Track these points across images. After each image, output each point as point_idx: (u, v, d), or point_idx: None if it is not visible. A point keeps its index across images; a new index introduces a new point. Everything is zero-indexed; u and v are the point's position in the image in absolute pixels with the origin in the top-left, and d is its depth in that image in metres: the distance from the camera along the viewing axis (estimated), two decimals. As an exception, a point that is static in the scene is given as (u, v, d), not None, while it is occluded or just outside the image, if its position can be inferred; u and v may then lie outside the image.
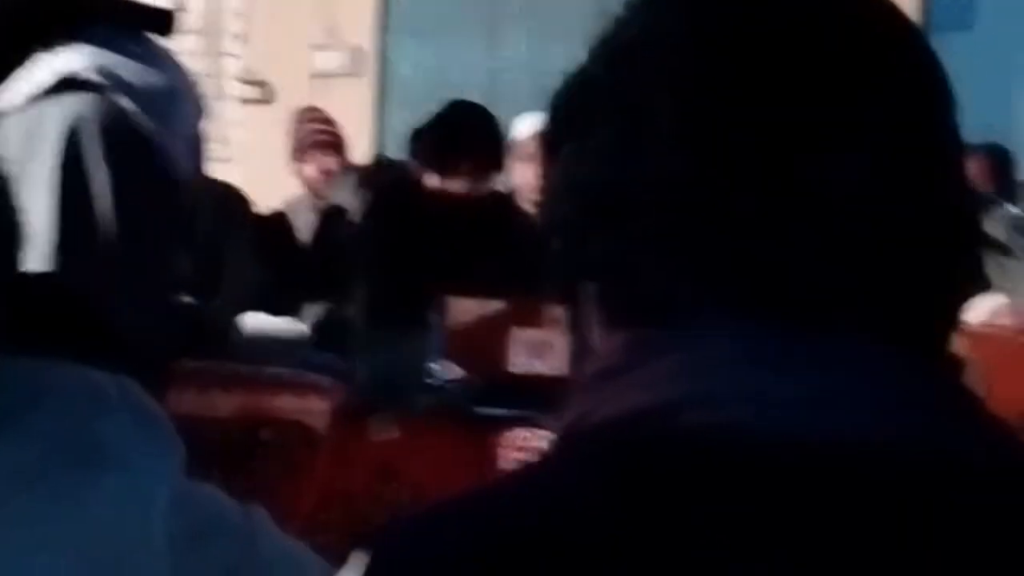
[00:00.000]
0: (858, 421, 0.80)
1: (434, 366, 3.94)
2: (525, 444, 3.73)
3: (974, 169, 5.28)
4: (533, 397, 3.89)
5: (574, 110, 0.90)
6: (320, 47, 8.24)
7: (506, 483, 0.87)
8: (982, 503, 0.80)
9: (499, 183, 5.01)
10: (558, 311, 3.64)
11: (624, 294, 0.86)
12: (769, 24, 0.84)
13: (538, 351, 3.96)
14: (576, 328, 0.90)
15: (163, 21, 1.79)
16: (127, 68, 1.69)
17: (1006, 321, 5.03)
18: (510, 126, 5.90)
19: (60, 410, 0.89)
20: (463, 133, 4.69)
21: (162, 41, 1.81)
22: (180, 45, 1.89)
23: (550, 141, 0.92)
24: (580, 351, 0.89)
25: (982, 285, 0.91)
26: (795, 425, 0.79)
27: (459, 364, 3.93)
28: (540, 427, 3.77)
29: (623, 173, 0.86)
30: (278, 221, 5.34)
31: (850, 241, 0.82)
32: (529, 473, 0.86)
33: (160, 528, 0.88)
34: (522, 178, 5.28)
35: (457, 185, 4.65)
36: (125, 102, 1.67)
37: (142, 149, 1.66)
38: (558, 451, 0.86)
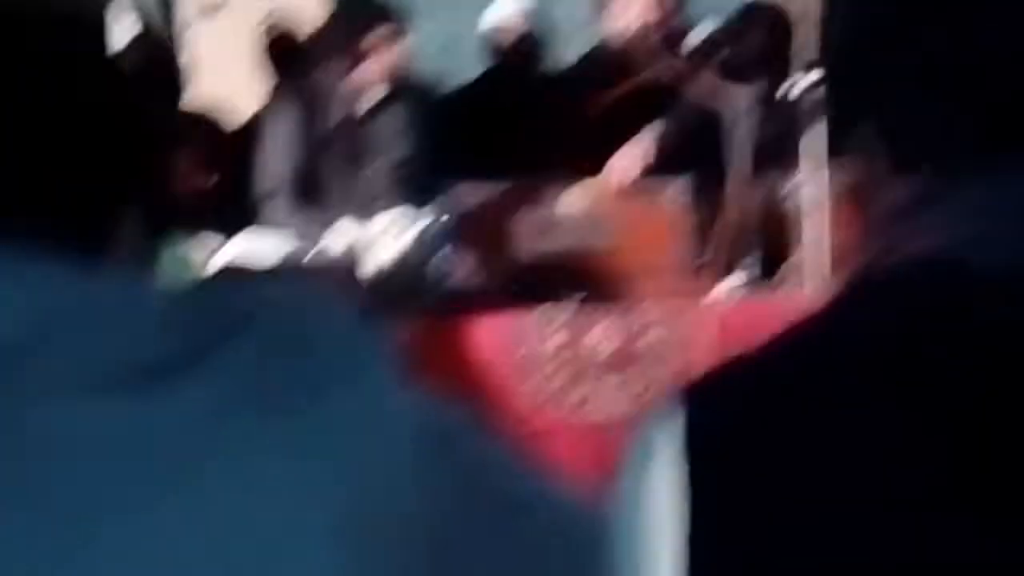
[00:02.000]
0: None
1: (446, 255, 3.92)
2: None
3: None
4: (544, 279, 3.90)
5: None
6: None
7: (805, 328, 0.85)
8: None
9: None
10: (561, 190, 3.59)
11: (909, 137, 0.85)
12: None
13: (543, 232, 3.96)
14: (857, 166, 0.89)
15: None
16: None
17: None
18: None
19: (274, 329, 0.87)
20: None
21: None
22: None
23: None
24: (863, 191, 0.88)
25: None
26: None
27: (470, 251, 3.91)
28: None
29: (895, 14, 0.84)
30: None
31: None
32: (828, 318, 0.85)
33: (404, 440, 0.86)
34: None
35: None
36: None
37: None
38: (853, 294, 0.85)
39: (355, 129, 4.62)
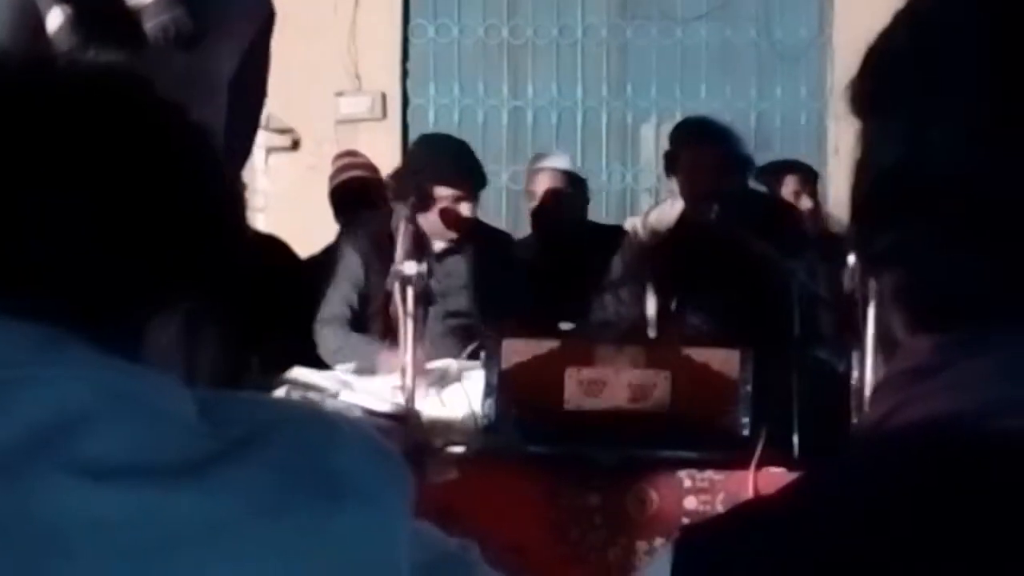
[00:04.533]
0: None
1: (488, 406, 3.93)
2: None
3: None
4: (587, 434, 3.89)
5: (879, 84, 0.87)
6: (345, 93, 8.25)
7: (806, 485, 0.84)
8: None
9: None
10: (610, 350, 3.58)
11: (925, 294, 0.84)
12: None
13: (591, 389, 3.95)
14: (880, 318, 0.89)
15: None
16: None
17: None
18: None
19: (296, 440, 0.90)
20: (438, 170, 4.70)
21: None
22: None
23: (858, 111, 0.88)
24: (884, 342, 0.88)
25: None
26: None
27: (512, 404, 3.92)
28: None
29: (914, 164, 0.83)
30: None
31: None
32: (831, 473, 0.84)
33: (404, 562, 0.89)
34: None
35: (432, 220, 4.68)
36: None
37: None
38: (860, 451, 0.84)
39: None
